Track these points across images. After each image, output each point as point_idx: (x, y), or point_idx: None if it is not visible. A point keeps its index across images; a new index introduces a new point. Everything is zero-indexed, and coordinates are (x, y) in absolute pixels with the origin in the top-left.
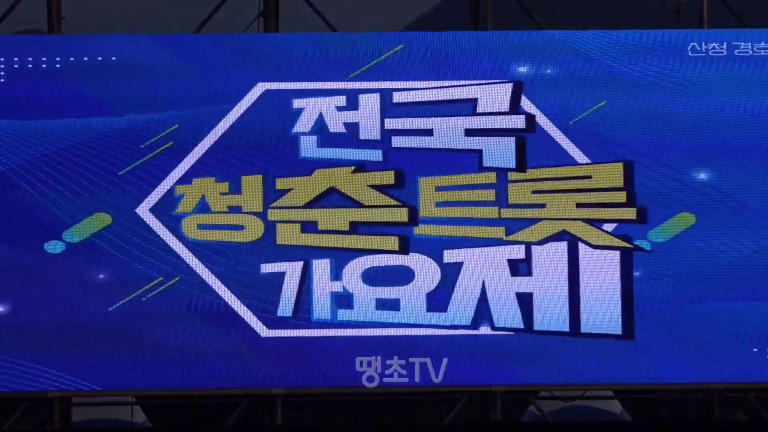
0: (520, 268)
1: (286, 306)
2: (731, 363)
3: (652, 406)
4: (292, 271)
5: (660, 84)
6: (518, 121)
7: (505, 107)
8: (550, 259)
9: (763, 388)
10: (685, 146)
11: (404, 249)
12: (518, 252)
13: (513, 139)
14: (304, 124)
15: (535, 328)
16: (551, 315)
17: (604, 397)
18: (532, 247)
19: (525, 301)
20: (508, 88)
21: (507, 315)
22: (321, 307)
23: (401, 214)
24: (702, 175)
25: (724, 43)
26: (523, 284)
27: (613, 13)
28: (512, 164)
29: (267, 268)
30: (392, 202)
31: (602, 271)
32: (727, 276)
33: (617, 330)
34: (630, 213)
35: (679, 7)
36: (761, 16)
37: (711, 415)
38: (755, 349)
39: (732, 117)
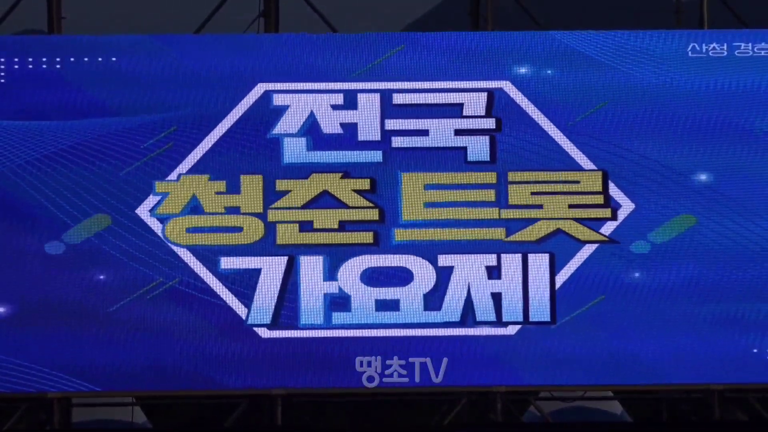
0: (493, 272)
1: (263, 311)
2: (731, 363)
3: (652, 406)
4: (277, 270)
5: (660, 84)
6: (491, 123)
7: (482, 111)
8: (513, 265)
9: (763, 389)
10: (685, 147)
11: (377, 243)
12: (492, 260)
13: (487, 137)
14: (300, 124)
15: (503, 320)
16: (512, 309)
17: (605, 397)
18: (501, 255)
19: (497, 299)
20: (484, 95)
21: (485, 311)
22: (314, 311)
23: (373, 214)
24: (703, 177)
25: (725, 44)
26: (495, 286)
27: (613, 13)
28: (487, 158)
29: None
30: (368, 203)
31: (541, 273)
32: (727, 276)
33: (547, 318)
34: (606, 213)
35: (679, 7)
36: (761, 16)
37: (711, 415)
38: (755, 350)
39: (733, 117)
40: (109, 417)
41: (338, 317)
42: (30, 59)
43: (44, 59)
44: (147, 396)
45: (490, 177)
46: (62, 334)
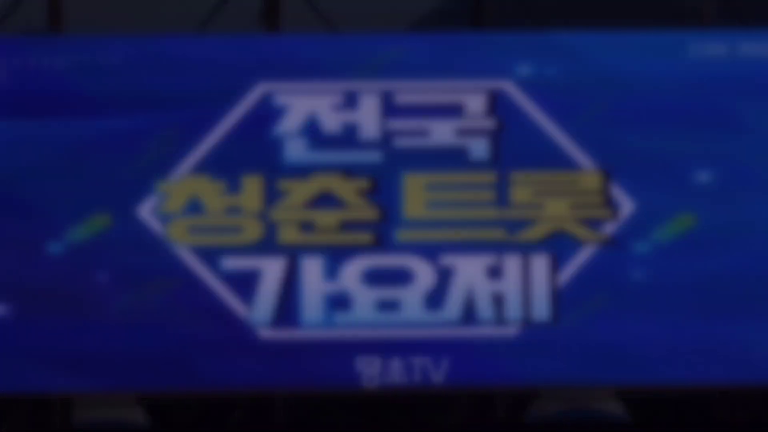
0: (494, 273)
1: (264, 311)
2: (732, 362)
3: (652, 406)
4: (278, 270)
5: (661, 84)
6: (492, 123)
7: (483, 111)
8: (514, 266)
9: (764, 389)
10: (686, 147)
11: (378, 242)
12: (493, 260)
13: (488, 137)
14: (301, 123)
15: (504, 320)
16: (513, 309)
17: (605, 397)
18: (503, 255)
19: (498, 299)
20: (485, 95)
21: (486, 311)
22: (315, 311)
23: (374, 214)
24: (704, 176)
25: (725, 44)
26: (496, 286)
27: (613, 13)
28: (488, 158)
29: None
30: (369, 203)
31: (540, 273)
32: (729, 275)
33: (547, 318)
34: (607, 212)
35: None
36: (762, 16)
37: (711, 415)
38: (756, 350)
39: (734, 116)
40: (109, 417)
41: (339, 317)
42: (30, 59)
43: (44, 59)
44: (147, 396)
45: (492, 177)
46: (63, 334)
